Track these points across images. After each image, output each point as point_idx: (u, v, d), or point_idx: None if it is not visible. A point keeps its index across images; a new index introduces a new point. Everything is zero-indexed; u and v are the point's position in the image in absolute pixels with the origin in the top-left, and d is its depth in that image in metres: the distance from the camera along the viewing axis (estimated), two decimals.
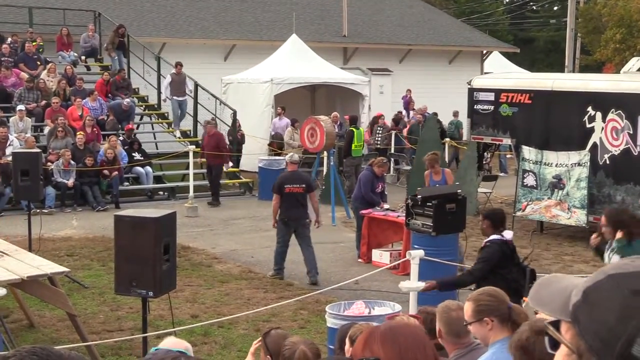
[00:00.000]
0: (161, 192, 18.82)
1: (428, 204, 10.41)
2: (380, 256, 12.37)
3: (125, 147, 18.66)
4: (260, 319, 9.60)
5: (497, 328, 4.06)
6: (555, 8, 55.26)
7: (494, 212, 7.63)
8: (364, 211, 12.77)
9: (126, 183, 18.47)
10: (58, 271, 8.32)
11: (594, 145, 14.14)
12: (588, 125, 14.26)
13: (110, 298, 10.18)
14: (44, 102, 19.31)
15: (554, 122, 14.90)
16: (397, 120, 23.84)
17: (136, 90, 22.06)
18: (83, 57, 22.67)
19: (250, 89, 21.79)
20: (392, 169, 21.66)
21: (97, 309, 10.05)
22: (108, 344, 8.50)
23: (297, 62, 21.93)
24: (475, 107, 16.63)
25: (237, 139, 20.39)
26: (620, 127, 13.77)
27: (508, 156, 22.82)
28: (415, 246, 9.65)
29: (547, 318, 1.43)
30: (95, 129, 18.82)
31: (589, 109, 14.22)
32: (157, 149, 20.90)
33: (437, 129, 19.06)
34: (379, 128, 22.57)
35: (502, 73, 24.25)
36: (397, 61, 29.05)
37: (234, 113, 20.31)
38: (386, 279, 11.46)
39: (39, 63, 20.77)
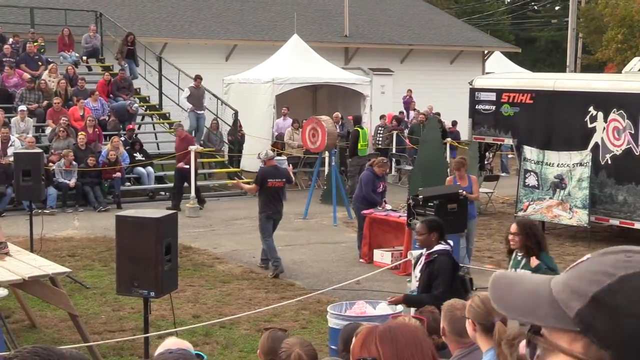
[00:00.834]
0: (163, 193, 18.82)
1: (429, 204, 10.43)
2: (382, 256, 12.37)
3: (127, 148, 18.67)
4: (261, 319, 9.60)
5: (482, 335, 4.09)
6: (557, 8, 55.25)
7: (438, 222, 7.29)
8: (365, 211, 12.77)
9: (128, 183, 18.48)
10: (59, 271, 8.32)
11: (596, 145, 14.13)
12: (590, 125, 14.25)
13: (112, 298, 10.18)
14: (45, 102, 19.32)
15: (556, 122, 14.89)
16: (399, 120, 23.84)
17: (137, 90, 22.07)
18: (84, 58, 22.69)
19: (252, 89, 21.79)
20: (393, 169, 21.66)
21: (98, 309, 10.05)
22: (110, 344, 8.50)
23: (298, 62, 21.93)
24: (476, 107, 16.62)
25: (237, 139, 20.40)
26: (621, 127, 13.76)
27: (510, 156, 22.82)
28: (417, 246, 9.65)
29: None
30: (96, 129, 18.83)
31: (591, 109, 14.21)
32: (158, 149, 20.91)
33: (438, 129, 19.05)
34: (380, 128, 22.58)
35: (504, 73, 24.24)
36: (398, 61, 29.05)
37: (235, 113, 20.31)
38: (387, 279, 11.46)
39: (40, 63, 20.77)
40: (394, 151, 22.15)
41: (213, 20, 27.32)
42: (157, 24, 26.27)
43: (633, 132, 13.58)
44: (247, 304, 10.27)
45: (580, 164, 14.09)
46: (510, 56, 36.19)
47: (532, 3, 56.78)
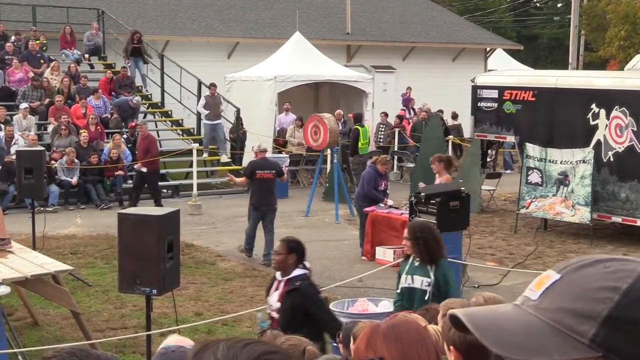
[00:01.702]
0: (165, 190, 18.83)
1: (432, 201, 10.42)
2: (384, 254, 12.36)
3: (129, 145, 18.68)
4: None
5: None
6: (559, 5, 55.17)
7: (299, 243, 6.34)
8: (367, 209, 12.77)
9: (130, 181, 18.48)
10: (62, 269, 8.33)
11: (598, 142, 14.12)
12: (592, 123, 14.23)
13: (114, 296, 10.19)
14: (47, 100, 19.33)
15: (558, 119, 14.88)
16: (402, 117, 23.83)
17: (139, 88, 22.07)
18: (86, 55, 22.70)
19: (254, 86, 21.77)
20: (395, 166, 21.65)
21: (101, 307, 10.06)
22: (112, 342, 8.51)
23: (300, 60, 21.91)
24: (478, 105, 16.61)
25: (239, 136, 20.40)
26: (624, 124, 13.75)
27: (513, 153, 22.79)
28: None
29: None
30: (99, 127, 18.85)
31: (593, 106, 14.19)
32: (160, 147, 20.91)
33: (440, 126, 19.07)
34: (382, 126, 22.57)
35: (506, 70, 24.22)
36: (400, 58, 29.02)
37: (237, 111, 20.31)
38: (390, 276, 11.43)
39: (42, 61, 20.79)
40: (395, 149, 22.15)
41: (215, 18, 27.31)
42: (159, 21, 26.26)
43: (635, 129, 13.56)
44: (249, 302, 10.27)
45: (583, 161, 14.08)
46: (512, 53, 36.14)
47: (534, 0, 56.70)
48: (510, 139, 16.25)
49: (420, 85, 26.93)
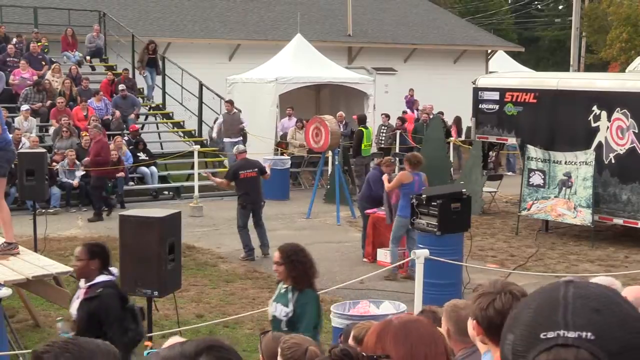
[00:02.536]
0: (166, 192, 18.83)
1: (433, 203, 10.42)
2: (385, 256, 12.35)
3: (130, 147, 18.69)
4: (265, 319, 9.55)
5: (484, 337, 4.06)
6: (560, 7, 55.18)
7: (102, 248, 5.94)
8: (368, 211, 12.77)
9: (131, 183, 18.50)
10: (63, 271, 8.33)
11: (599, 144, 14.11)
12: (593, 125, 14.23)
13: None
14: (49, 102, 19.34)
15: (559, 121, 14.87)
16: (404, 120, 23.81)
17: (141, 90, 22.09)
18: (88, 58, 22.72)
19: (255, 88, 21.78)
20: (397, 168, 21.62)
21: None
22: None
23: (301, 62, 21.92)
24: (480, 107, 16.61)
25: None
26: (625, 126, 13.74)
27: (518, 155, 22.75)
28: (420, 245, 9.65)
29: None
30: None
31: (594, 108, 14.19)
32: (162, 148, 20.93)
33: (442, 128, 19.06)
34: (383, 127, 22.56)
35: (507, 72, 24.21)
36: (401, 60, 29.03)
37: (239, 112, 20.30)
38: (391, 278, 11.46)
39: (43, 63, 20.80)
40: (397, 150, 22.13)
41: (216, 20, 27.34)
42: (161, 23, 26.29)
43: (637, 131, 13.56)
44: (251, 304, 10.27)
45: (585, 163, 14.07)
46: (513, 55, 36.13)
47: (536, 2, 56.69)
48: (512, 140, 16.24)
49: (422, 87, 26.93)
